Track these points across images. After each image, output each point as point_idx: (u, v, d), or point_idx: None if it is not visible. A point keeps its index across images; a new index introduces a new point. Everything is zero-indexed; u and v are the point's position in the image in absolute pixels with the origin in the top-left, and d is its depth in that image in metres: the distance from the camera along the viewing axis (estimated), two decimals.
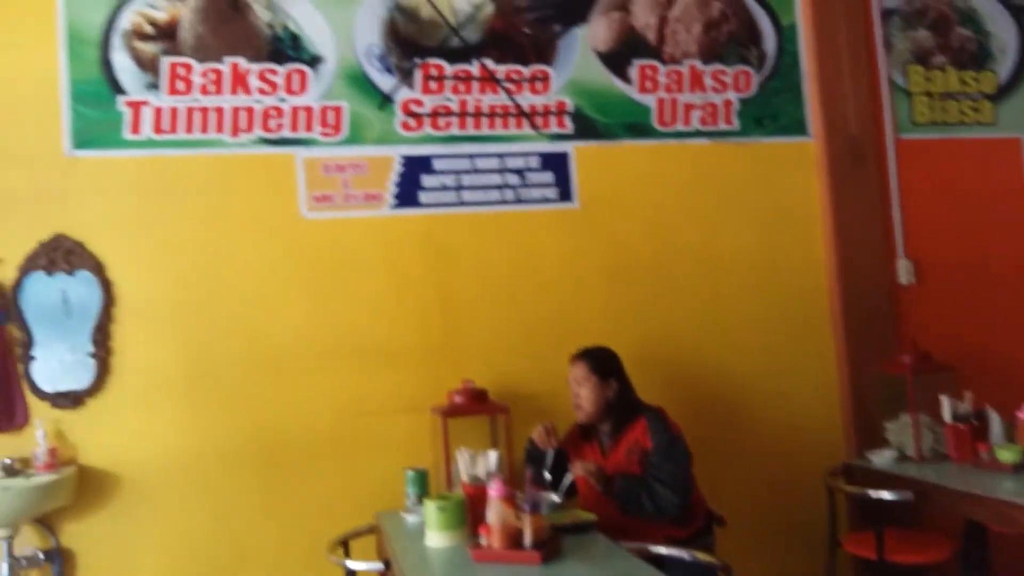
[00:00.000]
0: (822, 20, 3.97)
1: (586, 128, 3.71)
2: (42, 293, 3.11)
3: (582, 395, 3.10)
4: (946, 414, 3.43)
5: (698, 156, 3.84)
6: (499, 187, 3.61)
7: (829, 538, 3.49)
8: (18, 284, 3.09)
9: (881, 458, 3.48)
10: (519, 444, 3.20)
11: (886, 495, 3.18)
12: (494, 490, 2.52)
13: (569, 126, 3.69)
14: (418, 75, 3.55)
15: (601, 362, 3.15)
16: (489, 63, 3.62)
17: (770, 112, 3.93)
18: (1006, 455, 3.17)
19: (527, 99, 3.65)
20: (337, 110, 3.45)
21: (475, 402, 3.27)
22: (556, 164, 3.67)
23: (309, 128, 3.41)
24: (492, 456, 2.99)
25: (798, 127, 3.96)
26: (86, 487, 3.10)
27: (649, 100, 3.80)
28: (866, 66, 4.04)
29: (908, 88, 4.13)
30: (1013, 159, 4.25)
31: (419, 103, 3.54)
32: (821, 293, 3.92)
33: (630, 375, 3.20)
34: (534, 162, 3.65)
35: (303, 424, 3.33)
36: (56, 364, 3.11)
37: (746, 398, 3.79)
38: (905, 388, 3.49)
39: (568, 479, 2.94)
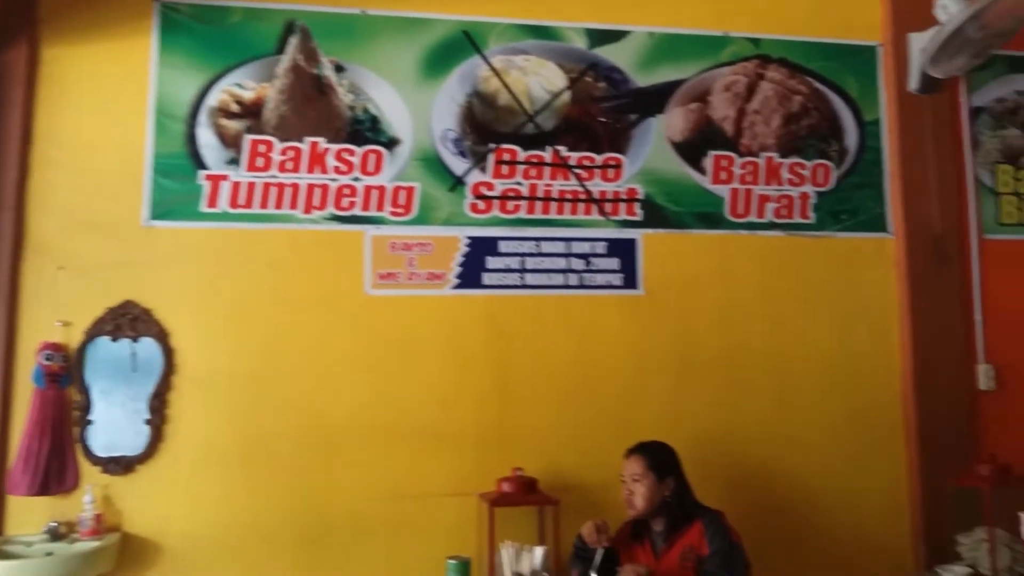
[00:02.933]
0: (907, 117, 3.54)
1: (656, 216, 3.33)
2: (105, 358, 2.88)
3: (636, 492, 2.70)
4: None
5: (771, 248, 3.41)
6: (563, 271, 3.25)
7: None
8: (83, 348, 2.87)
9: (952, 574, 2.99)
10: (568, 539, 2.77)
11: None
12: None
13: (639, 213, 3.33)
14: (491, 159, 3.24)
15: (659, 458, 2.76)
16: (562, 150, 3.29)
17: (849, 207, 3.47)
18: None
19: (598, 186, 3.30)
20: (409, 190, 3.17)
21: (524, 492, 2.89)
22: (623, 251, 3.30)
23: (380, 207, 3.15)
24: (538, 553, 2.65)
25: (878, 223, 3.48)
26: (127, 556, 2.81)
27: (722, 191, 3.39)
28: (952, 164, 3.56)
29: (995, 188, 3.62)
30: None
31: (489, 186, 3.24)
32: (895, 397, 3.42)
33: (689, 473, 2.79)
34: (601, 248, 3.28)
35: (352, 504, 2.99)
36: (111, 429, 2.86)
37: (811, 504, 3.28)
38: (981, 501, 3.01)
39: None
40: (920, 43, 3.32)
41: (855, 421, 3.36)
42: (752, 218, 3.41)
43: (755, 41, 3.50)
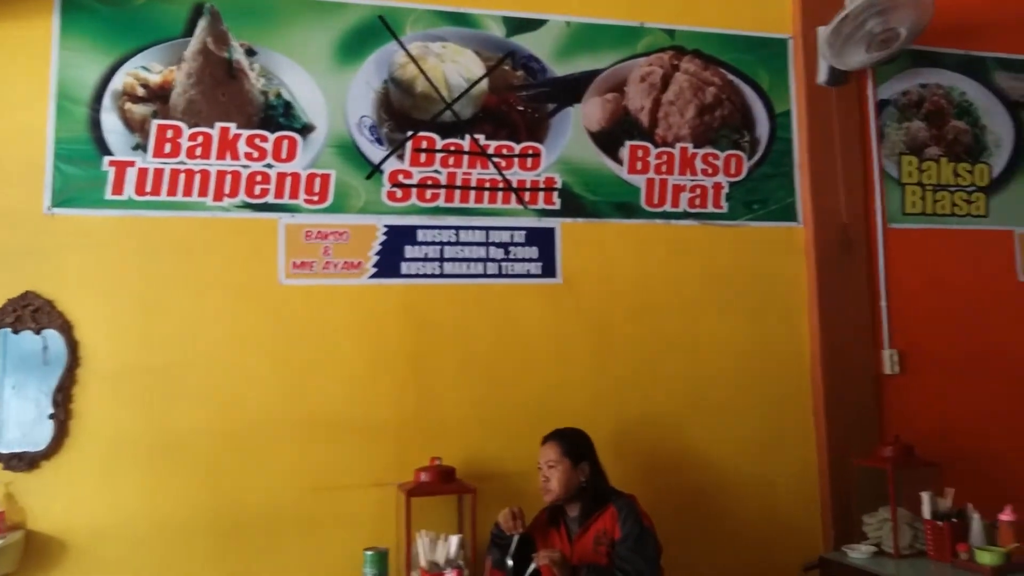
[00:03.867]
0: (816, 109, 3.74)
1: (574, 205, 3.46)
2: (15, 351, 2.85)
3: (552, 477, 2.83)
4: (926, 511, 3.16)
5: (685, 237, 3.57)
6: (482, 260, 3.35)
7: None
8: None
9: (858, 553, 3.20)
10: (487, 527, 2.88)
11: None
12: None
13: (557, 203, 3.44)
14: (408, 147, 3.31)
15: (574, 444, 2.89)
16: (480, 138, 3.38)
17: (760, 197, 3.66)
18: (986, 558, 2.91)
19: (516, 175, 3.41)
20: (324, 178, 3.21)
21: (441, 481, 2.97)
22: (541, 240, 3.41)
23: (294, 195, 3.18)
24: (453, 542, 2.74)
25: (788, 213, 3.68)
26: (32, 554, 2.79)
27: (638, 180, 3.54)
28: (859, 155, 3.78)
29: (900, 178, 3.86)
30: (1005, 252, 3.96)
31: (407, 174, 3.30)
32: (804, 381, 3.62)
33: (608, 457, 2.95)
34: (519, 237, 3.39)
35: (267, 498, 3.02)
36: (13, 424, 2.84)
37: (724, 486, 3.46)
38: (886, 481, 3.21)
39: (532, 567, 2.62)
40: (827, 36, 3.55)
41: (766, 405, 3.55)
42: (667, 208, 3.56)
43: (670, 32, 3.65)
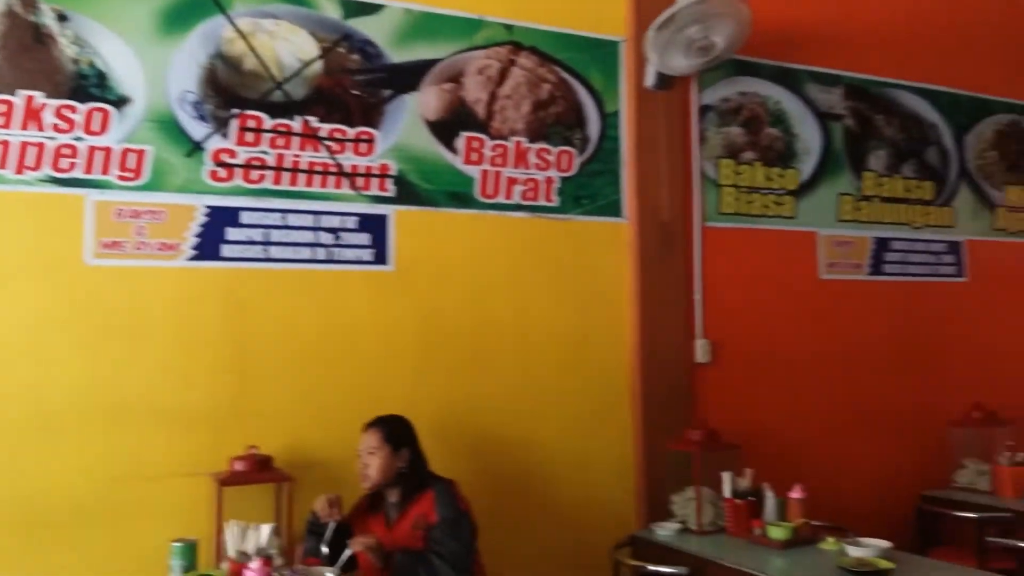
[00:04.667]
0: (643, 111, 3.86)
1: (408, 193, 3.42)
2: None
3: (371, 464, 2.82)
4: (726, 490, 3.36)
5: (517, 229, 3.61)
6: (310, 245, 3.25)
7: None
8: None
9: (664, 530, 3.36)
10: (306, 515, 2.82)
11: (664, 570, 3.04)
12: (252, 571, 2.23)
13: (391, 189, 3.39)
14: (234, 125, 3.16)
15: (395, 431, 2.89)
16: (312, 120, 3.27)
17: (589, 192, 3.75)
18: (776, 532, 3.11)
19: (349, 159, 3.33)
20: (139, 153, 3.02)
21: (256, 470, 2.87)
22: (374, 226, 3.35)
23: (105, 171, 2.97)
24: (264, 531, 2.65)
25: (614, 209, 3.79)
26: None
27: (473, 171, 3.54)
28: (681, 157, 3.95)
29: (718, 180, 4.06)
30: (808, 251, 4.25)
31: (232, 153, 3.15)
32: (624, 369, 3.75)
33: (432, 443, 2.95)
34: (351, 222, 3.31)
35: (71, 489, 2.82)
36: None
37: (545, 470, 3.54)
38: (692, 463, 3.38)
39: (347, 554, 2.60)
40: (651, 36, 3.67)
41: (588, 392, 3.65)
42: (501, 199, 3.58)
43: (508, 27, 3.66)
